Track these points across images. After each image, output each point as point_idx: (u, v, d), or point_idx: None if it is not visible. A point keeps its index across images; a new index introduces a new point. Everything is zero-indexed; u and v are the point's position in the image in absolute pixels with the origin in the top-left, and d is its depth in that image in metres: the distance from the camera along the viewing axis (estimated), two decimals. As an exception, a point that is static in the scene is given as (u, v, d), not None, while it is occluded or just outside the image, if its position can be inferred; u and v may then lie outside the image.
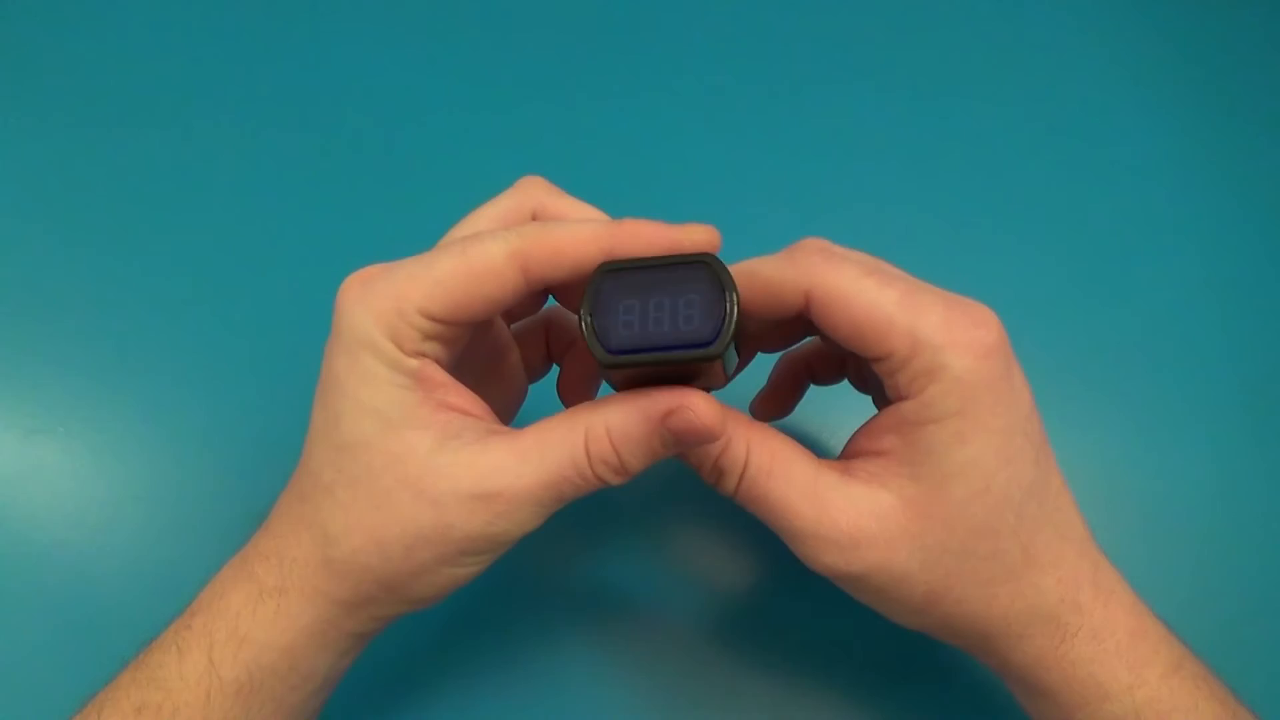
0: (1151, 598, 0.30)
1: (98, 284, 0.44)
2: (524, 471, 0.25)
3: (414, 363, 0.26)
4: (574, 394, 0.34)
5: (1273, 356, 0.43)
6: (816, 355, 0.35)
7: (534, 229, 0.25)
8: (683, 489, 0.39)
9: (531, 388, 0.34)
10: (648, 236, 0.25)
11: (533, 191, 0.30)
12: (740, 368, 0.33)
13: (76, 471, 0.40)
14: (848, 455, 0.29)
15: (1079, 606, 0.27)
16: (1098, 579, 0.27)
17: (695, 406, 0.24)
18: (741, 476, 0.27)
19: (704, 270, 0.24)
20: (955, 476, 0.25)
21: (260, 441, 0.40)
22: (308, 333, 0.42)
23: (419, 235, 0.44)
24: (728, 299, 0.23)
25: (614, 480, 0.26)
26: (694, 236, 0.25)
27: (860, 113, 0.49)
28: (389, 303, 0.25)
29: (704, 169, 0.47)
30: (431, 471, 0.25)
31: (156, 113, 0.48)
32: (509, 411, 0.33)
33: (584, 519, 0.38)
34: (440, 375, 0.26)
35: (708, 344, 0.23)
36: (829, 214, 0.46)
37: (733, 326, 0.23)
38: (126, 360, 0.42)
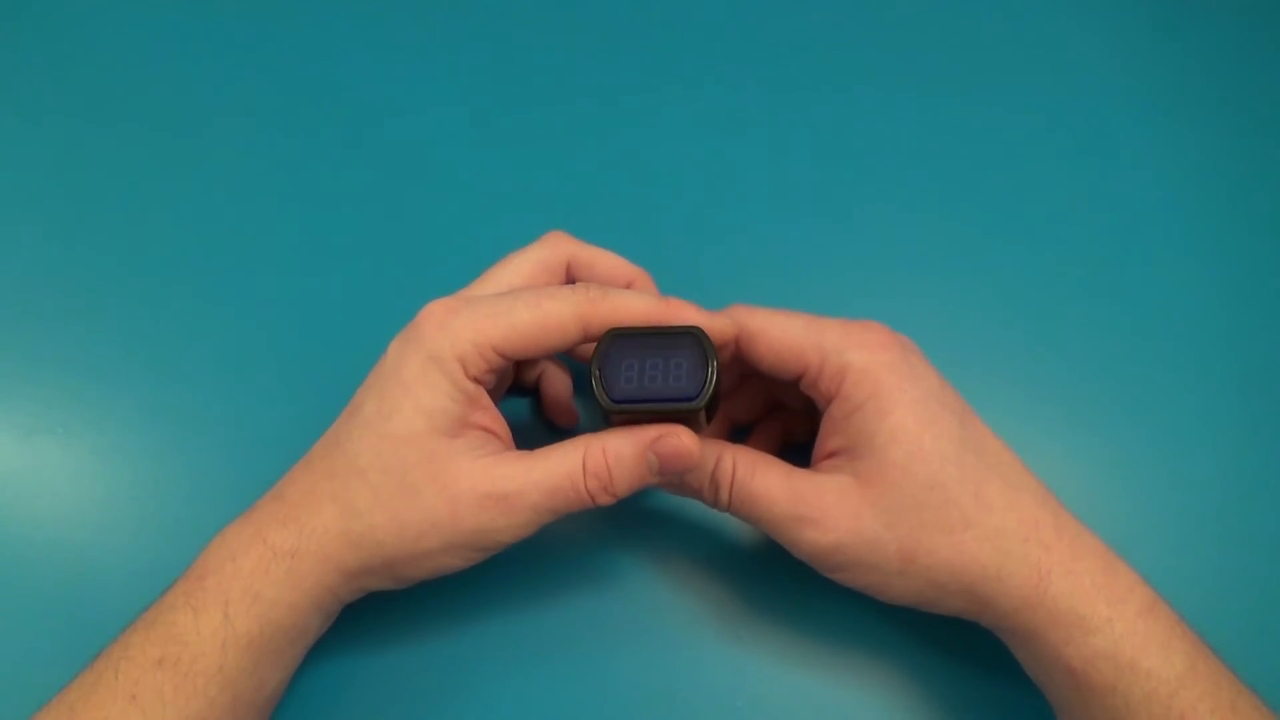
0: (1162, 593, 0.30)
1: (98, 284, 0.44)
2: (529, 480, 0.30)
3: (471, 386, 0.31)
4: (556, 411, 0.40)
5: (1276, 357, 0.43)
6: (786, 420, 0.39)
7: (598, 294, 0.31)
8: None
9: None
10: (688, 315, 0.31)
11: (561, 245, 0.35)
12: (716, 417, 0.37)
13: (76, 471, 0.40)
14: (810, 467, 0.34)
15: (1045, 544, 0.30)
16: (1059, 524, 0.31)
17: (679, 433, 0.31)
18: (733, 482, 0.32)
19: (692, 340, 0.30)
20: (889, 444, 0.30)
21: (260, 440, 0.40)
22: (308, 333, 0.43)
23: (420, 235, 0.45)
24: (710, 363, 0.30)
25: (602, 498, 0.31)
26: (707, 320, 0.31)
27: (864, 116, 0.49)
28: (469, 335, 0.30)
29: (710, 171, 0.47)
30: (454, 472, 0.30)
31: (154, 112, 0.48)
32: None
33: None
34: (485, 400, 0.32)
35: (692, 398, 0.29)
36: (830, 217, 0.46)
37: (714, 385, 0.29)
38: (127, 360, 0.42)
